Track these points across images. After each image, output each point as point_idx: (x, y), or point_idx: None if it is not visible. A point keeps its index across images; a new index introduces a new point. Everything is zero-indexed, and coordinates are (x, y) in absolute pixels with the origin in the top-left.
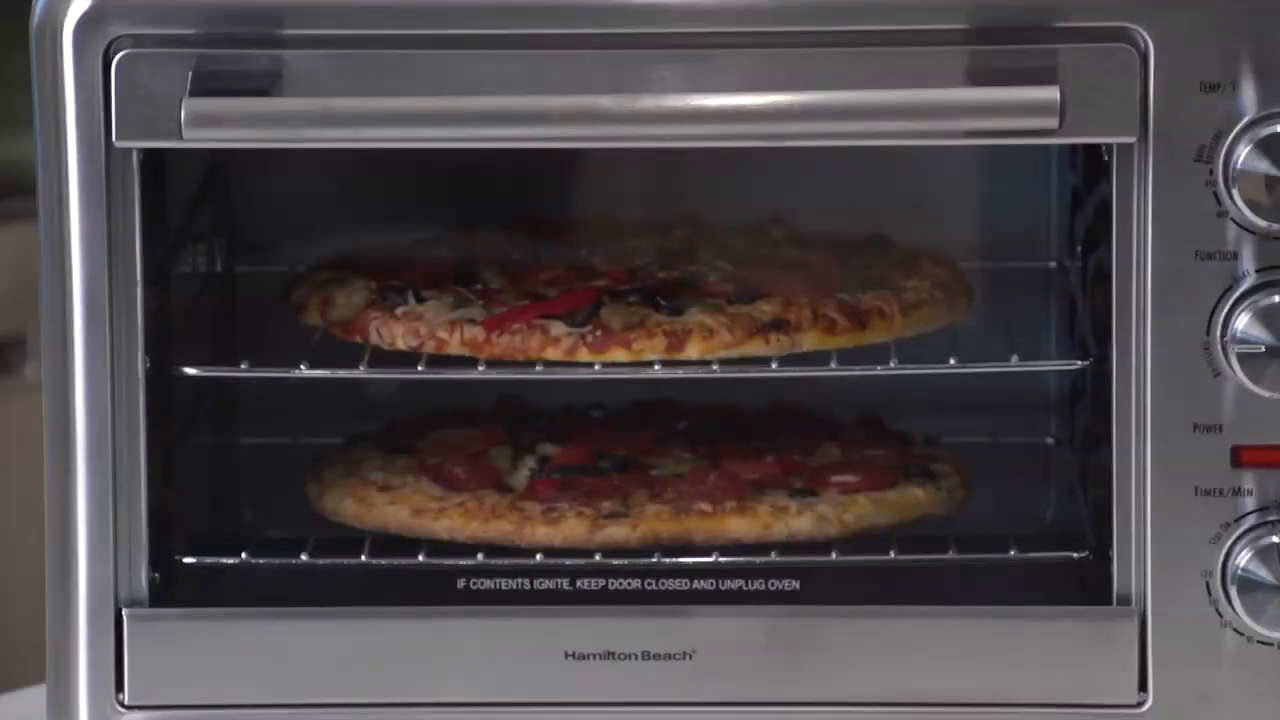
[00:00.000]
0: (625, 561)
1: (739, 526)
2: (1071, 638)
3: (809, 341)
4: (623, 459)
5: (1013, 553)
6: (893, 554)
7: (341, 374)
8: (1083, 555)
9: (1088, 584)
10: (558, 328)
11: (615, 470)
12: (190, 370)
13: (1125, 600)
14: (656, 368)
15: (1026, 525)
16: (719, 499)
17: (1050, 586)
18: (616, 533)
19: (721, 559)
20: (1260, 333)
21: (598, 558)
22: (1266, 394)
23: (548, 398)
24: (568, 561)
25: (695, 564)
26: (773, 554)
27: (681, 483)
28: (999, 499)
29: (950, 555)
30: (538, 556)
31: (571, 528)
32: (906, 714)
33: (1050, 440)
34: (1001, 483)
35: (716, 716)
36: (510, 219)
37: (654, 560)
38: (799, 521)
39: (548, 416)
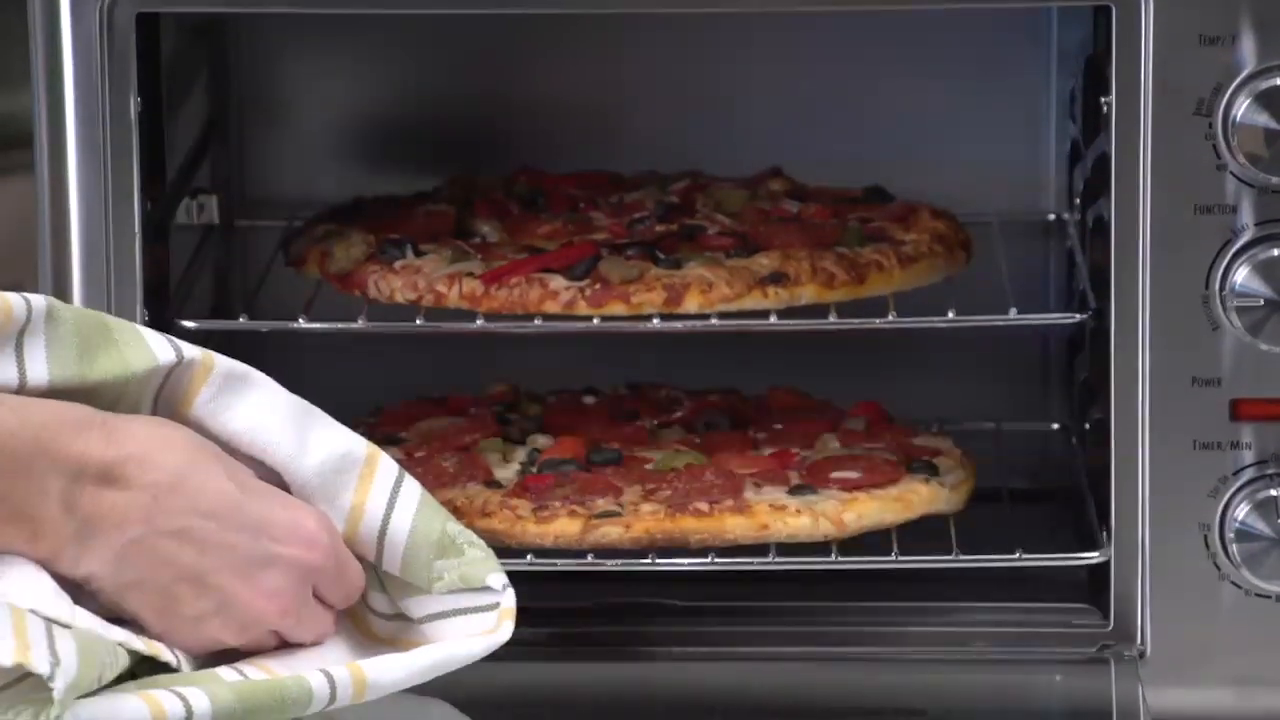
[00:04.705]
0: (619, 564)
1: (736, 527)
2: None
3: (808, 295)
4: (617, 452)
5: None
6: (894, 555)
7: (339, 326)
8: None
9: (1085, 537)
10: (556, 281)
11: (609, 464)
12: (188, 323)
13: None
14: (655, 321)
15: (1025, 478)
16: (715, 497)
17: (1050, 539)
18: (610, 533)
19: (718, 560)
20: (1259, 286)
21: (590, 558)
22: (1265, 347)
23: (542, 383)
24: (559, 562)
25: (691, 566)
26: (772, 555)
27: (677, 479)
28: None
29: (954, 557)
30: (529, 556)
31: (563, 527)
32: (909, 640)
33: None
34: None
35: None
36: (509, 172)
37: (648, 562)
38: (798, 521)
39: (540, 403)
